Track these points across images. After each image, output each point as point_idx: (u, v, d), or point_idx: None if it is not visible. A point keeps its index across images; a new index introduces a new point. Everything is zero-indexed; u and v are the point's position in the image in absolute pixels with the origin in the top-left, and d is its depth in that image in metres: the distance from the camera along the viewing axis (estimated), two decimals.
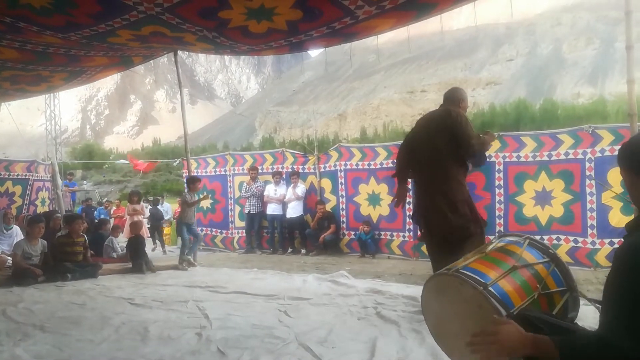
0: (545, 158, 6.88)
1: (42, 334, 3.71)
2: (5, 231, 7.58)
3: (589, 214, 6.49)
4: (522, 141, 7.15)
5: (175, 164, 23.45)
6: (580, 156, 6.61)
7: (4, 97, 9.07)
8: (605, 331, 1.40)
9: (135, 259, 7.15)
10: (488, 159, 7.33)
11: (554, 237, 6.75)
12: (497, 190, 7.24)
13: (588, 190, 6.51)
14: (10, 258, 6.61)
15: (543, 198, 6.87)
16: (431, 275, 2.05)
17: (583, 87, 57.38)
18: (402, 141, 4.51)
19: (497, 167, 7.24)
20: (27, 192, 10.65)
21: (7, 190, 10.25)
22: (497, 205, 7.22)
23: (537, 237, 6.64)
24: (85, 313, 4.38)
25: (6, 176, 10.22)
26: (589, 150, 6.54)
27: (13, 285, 5.84)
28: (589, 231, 6.48)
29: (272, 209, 9.36)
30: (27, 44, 6.08)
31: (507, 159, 7.18)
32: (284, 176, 9.55)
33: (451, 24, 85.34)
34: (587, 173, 6.49)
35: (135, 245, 7.40)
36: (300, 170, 9.43)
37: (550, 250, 2.00)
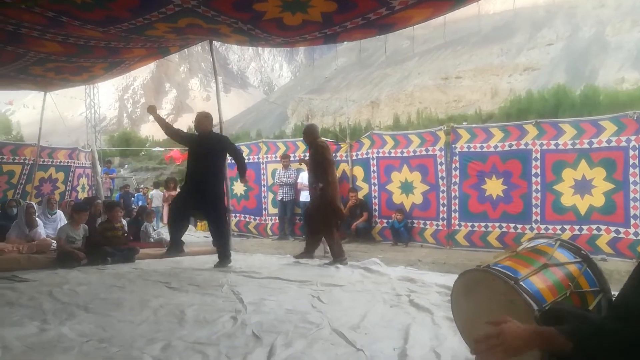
0: (586, 146, 6.66)
1: (86, 314, 3.85)
2: (49, 215, 7.90)
3: (632, 203, 6.27)
4: (560, 128, 6.94)
5: None
6: (623, 144, 6.38)
7: (49, 86, 9.41)
8: (620, 316, 1.34)
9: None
10: (525, 146, 7.16)
11: (593, 227, 6.56)
12: (533, 179, 7.08)
13: (632, 179, 6.28)
14: (55, 242, 6.90)
15: (583, 187, 6.67)
16: (461, 273, 2.05)
17: (627, 71, 54.80)
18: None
19: (534, 154, 7.07)
20: (70, 178, 11.06)
21: (50, 176, 10.67)
22: (534, 194, 7.07)
23: (576, 227, 6.36)
24: (125, 295, 4.53)
25: (50, 163, 10.64)
26: (633, 137, 6.30)
27: (58, 267, 6.10)
28: (632, 221, 6.27)
29: (304, 196, 9.41)
30: (70, 38, 6.27)
31: (545, 147, 7.00)
32: None
33: (488, 8, 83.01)
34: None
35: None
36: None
37: (582, 251, 1.97)
